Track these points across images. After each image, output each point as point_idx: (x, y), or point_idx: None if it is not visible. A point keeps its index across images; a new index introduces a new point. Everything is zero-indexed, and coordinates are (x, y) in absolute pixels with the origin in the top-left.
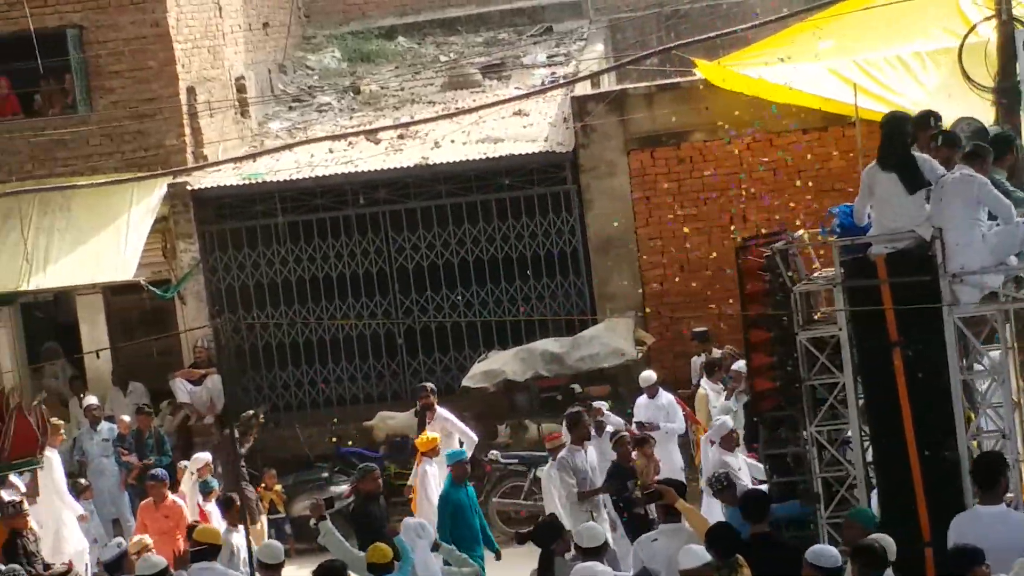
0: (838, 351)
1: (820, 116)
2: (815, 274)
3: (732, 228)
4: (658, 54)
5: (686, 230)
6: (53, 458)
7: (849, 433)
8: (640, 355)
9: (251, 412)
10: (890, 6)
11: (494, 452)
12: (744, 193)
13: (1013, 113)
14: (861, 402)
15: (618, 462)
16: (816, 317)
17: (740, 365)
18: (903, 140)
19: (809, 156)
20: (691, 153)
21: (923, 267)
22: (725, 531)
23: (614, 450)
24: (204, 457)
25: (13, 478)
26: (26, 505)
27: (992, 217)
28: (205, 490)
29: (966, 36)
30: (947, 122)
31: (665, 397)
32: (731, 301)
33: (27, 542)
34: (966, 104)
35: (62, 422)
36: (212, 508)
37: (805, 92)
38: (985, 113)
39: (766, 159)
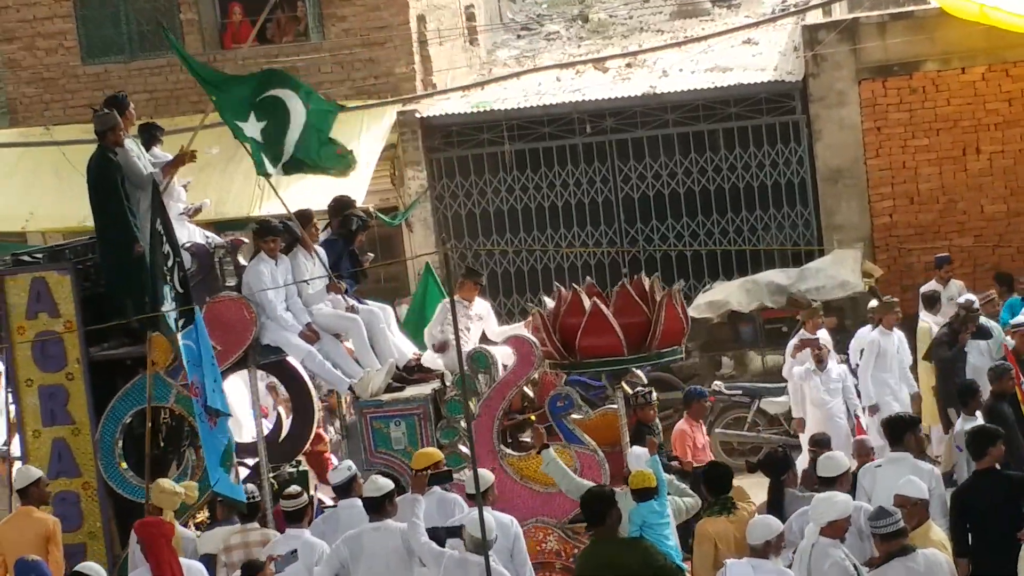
0: None
1: None
2: None
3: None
4: None
5: (917, 161)
6: None
7: None
8: (867, 287)
9: None
10: None
11: (718, 383)
12: (978, 124)
13: None
14: None
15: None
16: None
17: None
18: None
19: None
20: (923, 83)
21: None
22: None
23: None
24: None
25: None
26: None
27: None
28: None
29: None
30: None
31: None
32: (961, 235)
33: None
34: None
35: None
36: None
37: None
38: None
39: (1001, 89)
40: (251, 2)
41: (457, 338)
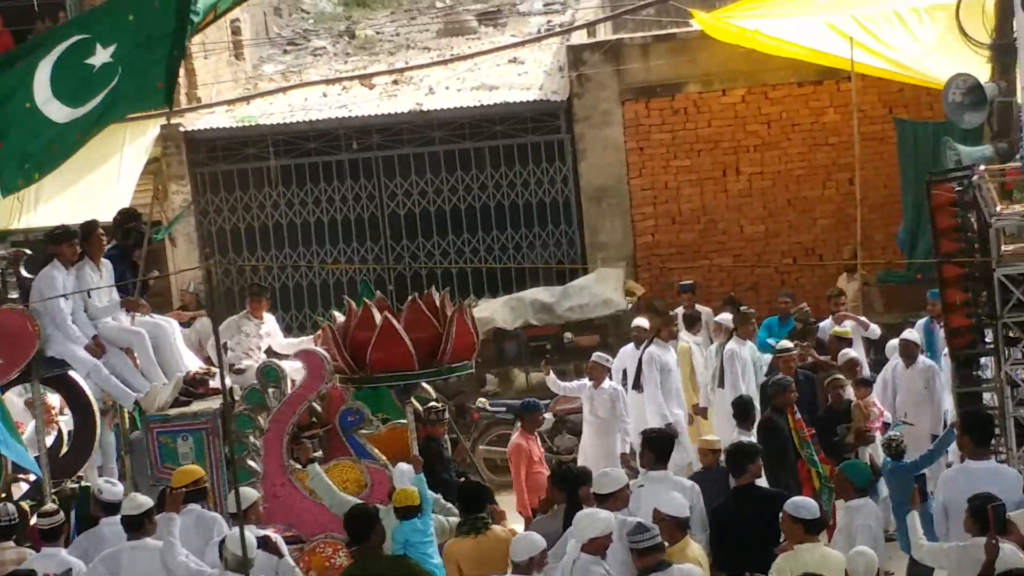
0: None
1: (815, 70)
2: (1004, 211)
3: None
4: (655, 4)
5: (679, 181)
6: None
7: None
8: (630, 306)
9: None
10: None
11: (482, 400)
12: (737, 146)
13: (1008, 70)
14: None
15: (831, 405)
16: (1007, 253)
17: (723, 318)
18: None
19: (803, 110)
20: (685, 104)
21: None
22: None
23: (827, 392)
24: None
25: None
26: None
27: None
28: None
29: None
30: (942, 78)
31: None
32: (721, 254)
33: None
34: (962, 60)
35: None
36: None
37: (801, 45)
38: (981, 70)
39: (760, 112)
40: (12, 13)
41: (220, 356)
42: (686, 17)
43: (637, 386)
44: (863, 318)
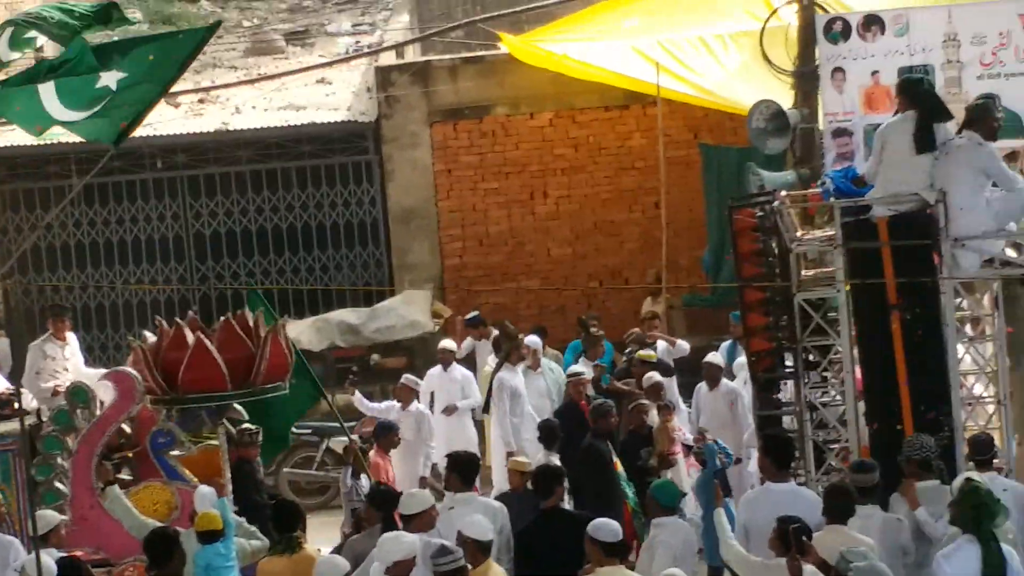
0: (830, 311)
1: (622, 94)
2: (805, 236)
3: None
4: (463, 27)
5: (487, 204)
6: None
7: (839, 397)
8: (437, 328)
9: None
10: None
11: None
12: (545, 169)
13: (810, 97)
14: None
15: (633, 430)
16: (806, 278)
17: (532, 340)
18: (927, 103)
19: (610, 134)
20: (494, 127)
21: (925, 231)
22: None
23: (631, 416)
24: None
25: None
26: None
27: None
28: None
29: (768, 19)
30: (747, 104)
31: (459, 371)
32: (529, 277)
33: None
34: (765, 87)
35: None
36: None
37: (608, 70)
38: (784, 96)
39: (568, 135)
40: None
41: None
42: (494, 40)
43: (487, 410)
44: (670, 337)
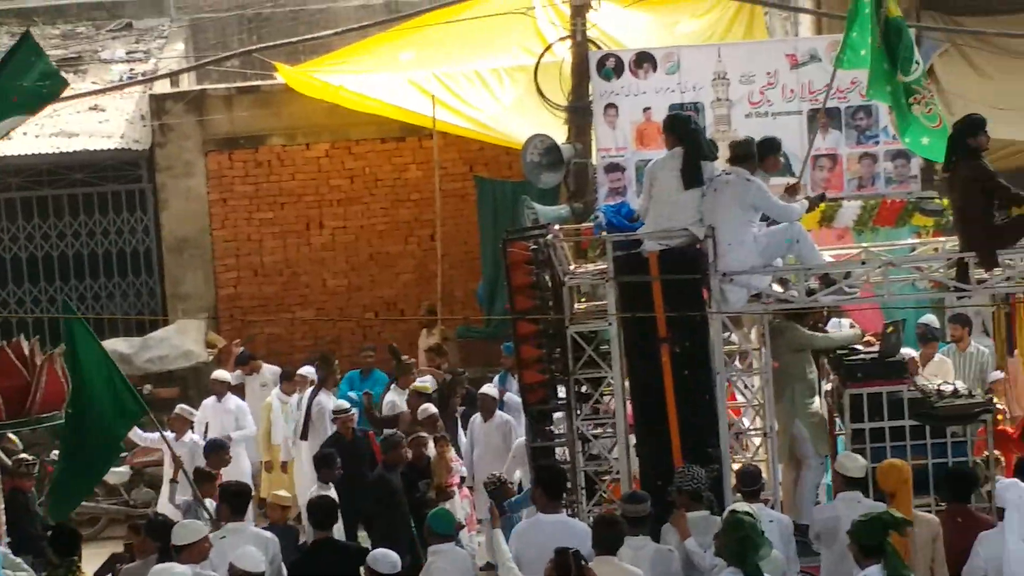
0: (603, 344)
1: (398, 126)
2: (578, 270)
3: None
4: (239, 56)
5: (262, 234)
6: None
7: (611, 429)
8: (211, 358)
9: None
10: (470, 21)
11: (56, 452)
12: (321, 199)
13: (584, 132)
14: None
15: (412, 461)
16: (579, 311)
17: (307, 370)
18: (693, 140)
19: (386, 165)
20: (269, 157)
21: (695, 265)
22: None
23: (409, 448)
24: None
25: None
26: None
27: (764, 219)
28: None
29: (542, 55)
30: (521, 138)
31: (234, 401)
32: (304, 307)
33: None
34: (540, 121)
35: None
36: None
37: (384, 102)
38: (558, 130)
39: (344, 166)
40: None
41: None
42: (271, 70)
43: (304, 436)
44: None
